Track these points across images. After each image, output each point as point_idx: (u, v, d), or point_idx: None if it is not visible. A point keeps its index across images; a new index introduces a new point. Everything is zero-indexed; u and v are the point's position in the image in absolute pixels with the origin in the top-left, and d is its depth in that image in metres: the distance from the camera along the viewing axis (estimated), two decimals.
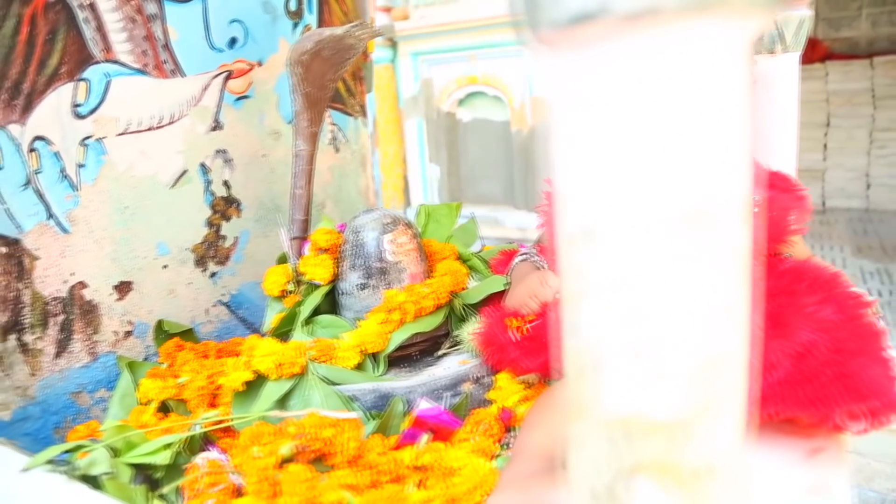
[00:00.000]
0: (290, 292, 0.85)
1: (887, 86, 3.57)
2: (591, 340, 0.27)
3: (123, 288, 0.85)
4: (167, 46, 0.86)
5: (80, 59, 0.77)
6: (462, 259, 0.88)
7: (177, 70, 0.88)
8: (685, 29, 0.22)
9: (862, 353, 0.51)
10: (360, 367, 0.71)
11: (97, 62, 0.79)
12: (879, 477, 1.67)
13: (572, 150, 0.25)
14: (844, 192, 3.79)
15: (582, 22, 0.22)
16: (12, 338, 0.73)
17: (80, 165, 0.79)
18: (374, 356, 0.73)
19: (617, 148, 0.23)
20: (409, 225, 0.81)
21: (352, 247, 0.79)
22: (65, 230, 0.78)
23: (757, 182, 0.61)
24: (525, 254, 0.81)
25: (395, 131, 3.99)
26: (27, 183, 0.74)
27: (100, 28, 0.79)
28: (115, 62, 0.81)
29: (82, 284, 0.80)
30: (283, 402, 0.68)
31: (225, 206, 0.97)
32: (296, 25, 1.05)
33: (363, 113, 1.24)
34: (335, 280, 0.82)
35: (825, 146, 3.82)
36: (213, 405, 0.72)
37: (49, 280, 0.76)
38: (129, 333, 0.85)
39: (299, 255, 0.87)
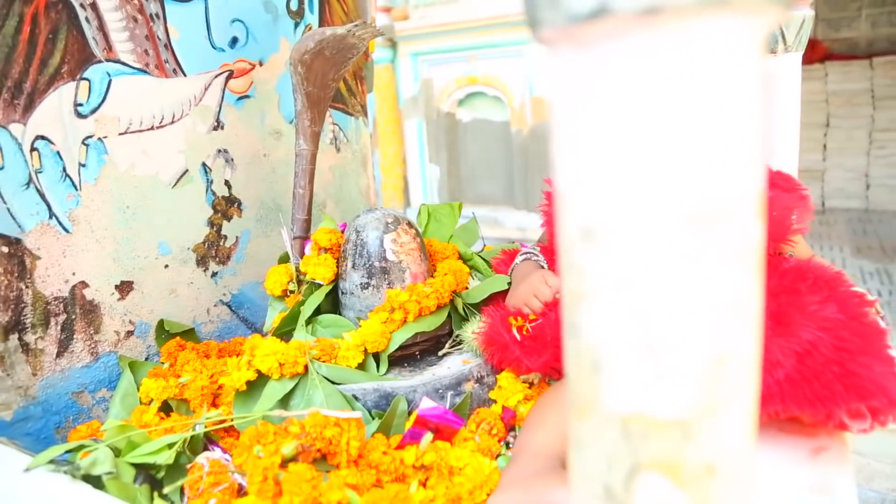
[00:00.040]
0: (292, 292, 0.85)
1: (887, 86, 3.58)
2: (594, 339, 0.27)
3: (125, 288, 0.84)
4: (168, 46, 0.86)
5: (81, 59, 0.77)
6: (464, 259, 0.88)
7: (178, 69, 0.88)
8: (694, 26, 0.22)
9: (865, 351, 0.51)
10: (362, 366, 0.71)
11: (99, 62, 0.79)
12: (879, 477, 1.67)
13: (576, 148, 0.25)
14: (844, 192, 3.79)
15: (590, 19, 0.22)
16: (14, 337, 0.73)
17: (82, 165, 0.79)
18: (376, 356, 0.73)
19: (623, 146, 0.23)
20: (410, 224, 0.81)
21: (354, 246, 0.79)
22: (66, 230, 0.78)
23: None
24: (527, 253, 0.81)
25: (395, 132, 4.00)
26: (28, 182, 0.74)
27: (101, 27, 0.79)
28: (117, 62, 0.81)
29: (84, 284, 0.80)
30: (285, 401, 0.68)
31: (226, 206, 0.97)
32: (297, 25, 1.05)
33: (364, 113, 1.24)
34: (337, 279, 0.82)
35: (825, 146, 3.83)
36: (214, 405, 0.72)
37: (50, 280, 0.76)
38: (130, 333, 0.85)
39: (301, 254, 0.87)
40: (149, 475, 0.61)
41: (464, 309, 0.79)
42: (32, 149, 0.74)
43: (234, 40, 0.95)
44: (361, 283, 0.78)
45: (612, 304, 0.25)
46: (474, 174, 3.88)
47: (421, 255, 0.80)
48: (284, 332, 0.80)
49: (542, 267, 0.78)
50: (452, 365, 0.74)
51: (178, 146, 0.89)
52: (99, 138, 0.80)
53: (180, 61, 0.88)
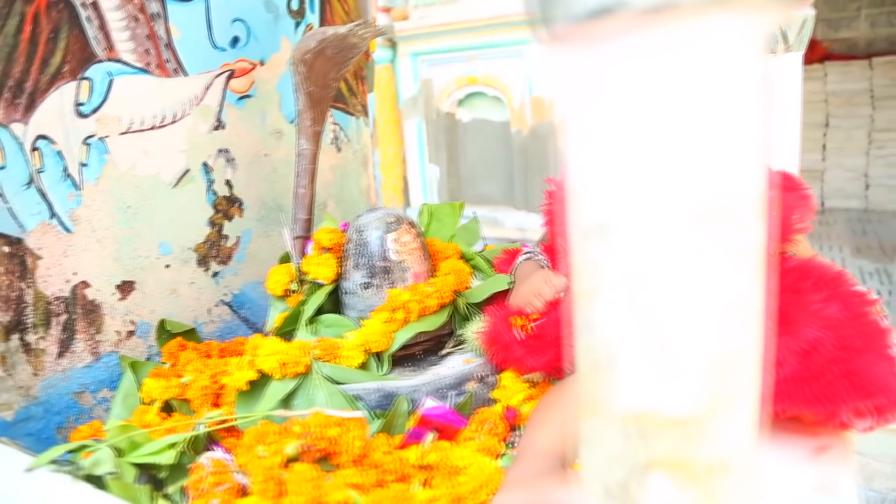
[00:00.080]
0: (294, 291, 0.85)
1: (886, 86, 3.58)
2: (605, 337, 0.27)
3: (126, 287, 0.84)
4: (170, 45, 0.86)
5: (82, 58, 0.77)
6: (465, 258, 0.88)
7: (179, 69, 0.88)
8: (703, 23, 0.22)
9: (868, 350, 0.51)
10: (364, 366, 0.71)
11: (100, 61, 0.79)
12: (879, 476, 1.68)
13: (587, 145, 0.25)
14: (843, 192, 3.80)
15: (599, 16, 0.22)
16: (15, 337, 0.73)
17: (83, 164, 0.79)
18: (378, 355, 0.73)
19: (633, 143, 0.23)
20: (412, 224, 0.81)
21: (355, 246, 0.79)
22: (67, 229, 0.78)
23: None
24: (529, 253, 0.81)
25: (395, 132, 3.99)
26: (30, 182, 0.74)
27: (102, 27, 0.79)
28: (118, 61, 0.81)
29: (85, 284, 0.80)
30: (287, 401, 0.68)
31: (227, 206, 0.97)
32: (298, 25, 1.05)
33: (365, 112, 1.24)
34: (338, 279, 0.82)
35: (824, 147, 3.83)
36: (216, 405, 0.72)
37: (52, 280, 0.76)
38: (131, 333, 0.85)
39: (302, 254, 0.87)
40: (151, 475, 0.61)
41: (465, 308, 0.79)
42: (34, 148, 0.74)
43: (235, 40, 0.95)
44: (363, 283, 0.78)
45: (622, 301, 0.25)
46: (474, 174, 3.88)
47: (423, 255, 0.80)
48: (286, 331, 0.79)
49: (544, 266, 0.78)
50: (454, 364, 0.74)
51: (179, 146, 0.89)
52: (100, 138, 0.80)
53: (181, 61, 0.88)
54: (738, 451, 0.27)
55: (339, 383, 0.69)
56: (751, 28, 0.23)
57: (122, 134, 0.82)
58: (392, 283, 0.77)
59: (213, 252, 0.96)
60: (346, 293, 0.80)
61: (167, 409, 0.72)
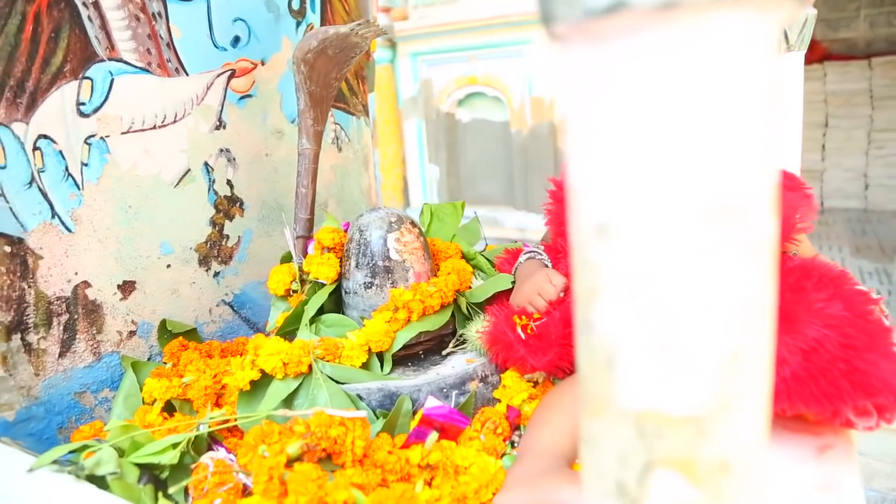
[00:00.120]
0: (295, 291, 0.85)
1: (885, 86, 3.59)
2: (608, 336, 0.26)
3: (127, 287, 0.84)
4: (171, 45, 0.86)
5: (83, 58, 0.77)
6: (467, 258, 0.88)
7: (180, 69, 0.87)
8: (710, 21, 0.22)
9: (871, 349, 0.51)
10: (366, 366, 0.71)
11: (101, 60, 0.79)
12: (879, 476, 1.68)
13: (591, 144, 0.25)
14: (843, 192, 3.80)
15: (606, 14, 0.22)
16: (16, 337, 0.73)
17: (84, 164, 0.79)
18: (380, 355, 0.73)
19: (640, 141, 0.23)
20: (414, 224, 0.81)
21: (357, 245, 0.79)
22: (68, 229, 0.77)
23: None
24: (531, 252, 0.81)
25: (395, 132, 4.00)
26: (31, 182, 0.74)
27: (103, 26, 0.79)
28: (119, 60, 0.81)
29: (86, 284, 0.80)
30: (289, 401, 0.67)
31: (228, 206, 0.97)
32: (299, 24, 1.05)
33: (366, 112, 1.24)
34: (340, 279, 0.82)
35: (823, 147, 3.83)
36: (218, 405, 0.72)
37: (53, 279, 0.76)
38: (132, 333, 0.85)
39: (304, 253, 0.87)
40: (153, 475, 0.61)
41: (467, 308, 0.79)
42: (35, 148, 0.74)
43: (237, 39, 0.95)
44: (365, 283, 0.78)
45: (626, 300, 0.25)
46: (474, 174, 3.88)
47: (424, 255, 0.80)
48: (288, 331, 0.79)
49: (546, 266, 0.78)
50: (456, 364, 0.74)
51: (180, 145, 0.89)
52: (101, 137, 0.80)
53: (182, 60, 0.88)
54: (743, 450, 0.27)
55: (341, 383, 0.69)
56: (759, 25, 0.23)
57: (124, 133, 0.82)
58: (394, 282, 0.77)
59: (215, 252, 0.96)
60: (347, 293, 0.80)
61: (169, 409, 0.72)
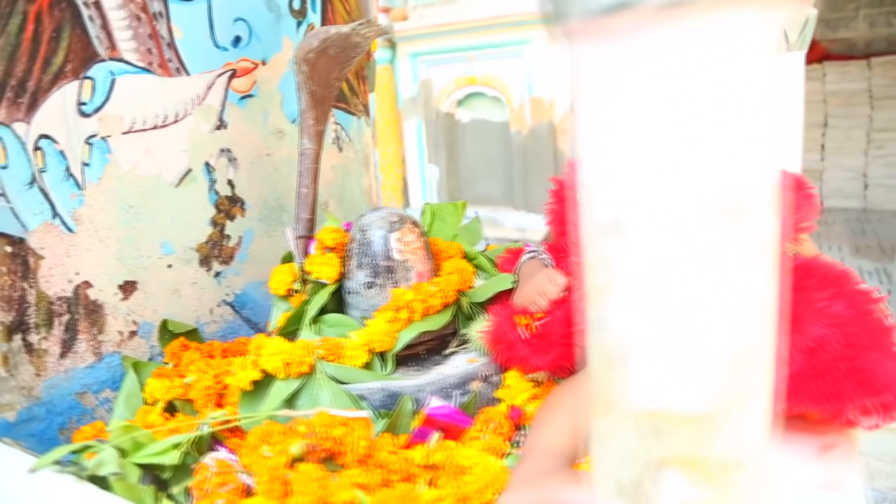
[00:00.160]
0: (297, 291, 0.85)
1: (885, 86, 3.59)
2: (618, 333, 0.26)
3: (128, 288, 0.84)
4: (172, 45, 0.86)
5: (84, 58, 0.77)
6: (468, 258, 0.88)
7: (181, 69, 0.87)
8: (719, 19, 0.22)
9: (874, 347, 0.51)
10: (368, 366, 0.71)
11: (102, 60, 0.79)
12: (879, 476, 1.68)
13: (601, 141, 0.25)
14: (842, 192, 3.80)
15: (615, 12, 0.22)
16: (17, 338, 0.73)
17: (85, 164, 0.79)
18: (382, 355, 0.73)
19: (649, 138, 0.23)
20: (415, 223, 0.81)
21: (358, 245, 0.79)
22: (70, 229, 0.77)
23: None
24: (532, 251, 0.81)
25: (394, 132, 4.00)
26: (32, 181, 0.74)
27: (105, 26, 0.78)
28: (120, 60, 0.81)
29: (87, 284, 0.79)
30: (291, 401, 0.67)
31: (229, 206, 0.97)
32: (299, 24, 1.05)
33: (366, 112, 1.24)
34: (342, 279, 0.82)
35: (823, 146, 3.84)
36: (219, 405, 0.72)
37: (54, 280, 0.76)
38: (133, 333, 0.85)
39: (305, 253, 0.87)
40: (155, 476, 0.61)
41: (469, 308, 0.79)
42: (36, 148, 0.73)
43: (237, 39, 0.95)
44: (366, 283, 0.78)
45: (636, 298, 0.25)
46: (474, 175, 3.88)
47: (426, 254, 0.80)
48: (289, 331, 0.79)
49: (548, 265, 0.78)
50: (458, 364, 0.74)
51: (181, 145, 0.89)
52: (102, 137, 0.80)
53: (183, 60, 0.87)
54: (752, 449, 0.27)
55: (343, 383, 0.69)
56: (765, 23, 0.23)
57: (125, 133, 0.82)
58: (395, 282, 0.77)
59: (216, 252, 0.96)
60: (349, 293, 0.80)
61: (170, 409, 0.72)
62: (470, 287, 0.80)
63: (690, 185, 0.23)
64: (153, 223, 0.86)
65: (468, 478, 0.56)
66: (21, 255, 0.73)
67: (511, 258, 0.84)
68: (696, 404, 0.25)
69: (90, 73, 0.78)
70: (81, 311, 0.79)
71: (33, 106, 0.73)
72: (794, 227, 0.65)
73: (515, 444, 0.65)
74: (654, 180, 0.24)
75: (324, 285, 0.81)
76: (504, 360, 0.70)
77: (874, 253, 3.04)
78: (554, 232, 0.83)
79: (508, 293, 0.79)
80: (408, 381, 0.69)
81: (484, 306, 0.79)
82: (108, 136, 0.81)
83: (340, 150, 1.17)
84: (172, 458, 0.60)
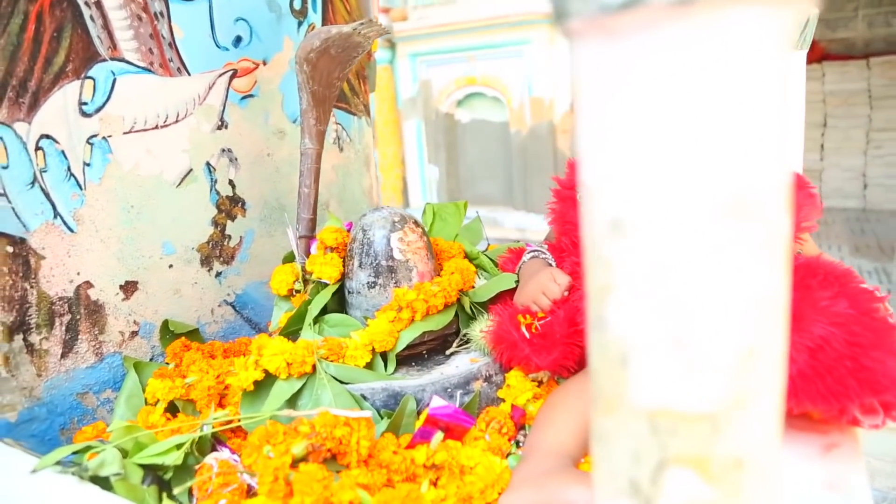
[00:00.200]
0: (298, 291, 0.84)
1: (884, 86, 3.60)
2: (621, 333, 0.26)
3: (129, 288, 0.84)
4: (173, 45, 0.86)
5: (86, 57, 0.77)
6: (469, 257, 0.88)
7: (182, 68, 0.87)
8: (725, 17, 0.22)
9: (877, 346, 0.51)
10: (369, 365, 0.71)
11: (103, 60, 0.79)
12: (880, 475, 1.68)
13: (605, 140, 0.25)
14: (841, 192, 3.81)
15: (622, 10, 0.22)
16: (18, 338, 0.73)
17: (86, 164, 0.78)
18: (384, 355, 0.73)
19: (655, 137, 0.23)
20: (417, 223, 0.81)
21: (360, 245, 0.79)
22: (71, 229, 0.77)
23: None
24: (534, 251, 0.80)
25: (394, 132, 4.00)
26: (33, 182, 0.73)
27: (106, 26, 0.78)
28: (121, 60, 0.80)
29: (88, 284, 0.79)
30: (292, 401, 0.67)
31: (230, 206, 0.97)
32: (300, 24, 1.05)
33: (367, 112, 1.24)
34: (343, 278, 0.82)
35: (822, 146, 3.84)
36: (221, 405, 0.72)
37: (55, 280, 0.76)
38: (134, 334, 0.85)
39: (307, 253, 0.87)
40: (157, 476, 0.61)
41: (471, 308, 0.79)
42: (37, 148, 0.73)
43: (238, 39, 0.95)
44: (368, 282, 0.78)
45: (640, 296, 0.25)
46: (473, 175, 3.89)
47: (428, 254, 0.80)
48: (291, 331, 0.79)
49: (550, 265, 0.78)
50: (460, 364, 0.74)
51: (182, 145, 0.89)
52: (103, 137, 0.80)
53: (184, 60, 0.87)
54: (758, 448, 0.27)
55: (345, 383, 0.68)
56: (774, 22, 0.23)
57: (126, 133, 0.82)
58: (397, 282, 0.77)
59: (216, 252, 0.95)
60: (350, 292, 0.80)
61: (172, 409, 0.72)
62: (471, 287, 0.80)
63: (698, 185, 0.23)
64: (154, 223, 0.86)
65: (471, 478, 0.56)
66: (22, 256, 0.73)
67: (513, 258, 0.84)
68: (701, 403, 0.25)
69: (91, 72, 0.78)
70: (82, 311, 0.79)
71: (34, 106, 0.73)
72: (796, 226, 0.65)
73: (518, 444, 0.65)
74: (660, 180, 0.24)
75: (325, 285, 0.81)
76: (506, 359, 0.70)
77: (873, 252, 3.04)
78: (556, 231, 0.83)
79: (510, 293, 0.79)
80: (410, 380, 0.69)
81: (486, 306, 0.79)
82: (110, 136, 0.80)
83: (341, 150, 1.17)
84: (174, 458, 0.60)
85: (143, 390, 0.75)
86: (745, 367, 0.25)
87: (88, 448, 0.61)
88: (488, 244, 1.02)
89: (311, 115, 0.86)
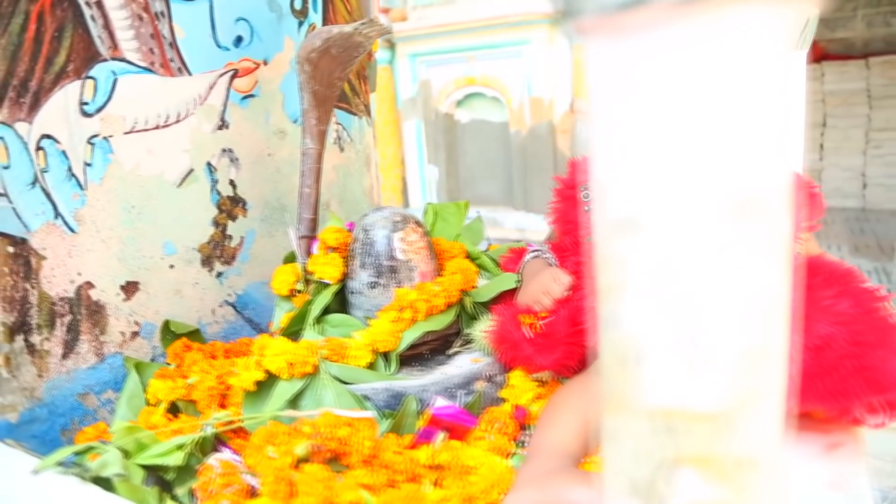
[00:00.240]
0: (299, 291, 0.84)
1: (883, 86, 3.60)
2: (632, 331, 0.26)
3: (130, 288, 0.84)
4: (174, 44, 0.86)
5: (87, 57, 0.77)
6: (471, 257, 0.88)
7: (183, 68, 0.87)
8: (735, 14, 0.22)
9: (881, 345, 0.51)
10: (371, 366, 0.71)
11: (104, 60, 0.78)
12: (880, 475, 1.68)
13: (616, 138, 0.25)
14: (841, 191, 3.81)
15: (631, 7, 0.22)
16: (19, 338, 0.72)
17: (87, 164, 0.78)
18: (386, 355, 0.73)
19: (665, 135, 0.23)
20: (418, 223, 0.80)
21: (362, 245, 0.78)
22: (72, 230, 0.77)
23: None
24: (536, 251, 0.80)
25: (394, 133, 4.00)
26: (34, 182, 0.73)
27: (107, 26, 0.78)
28: (122, 60, 0.80)
29: (89, 284, 0.79)
30: (294, 401, 0.67)
31: (231, 206, 0.97)
32: (301, 24, 1.05)
33: (367, 112, 1.23)
34: (345, 279, 0.81)
35: (821, 146, 3.84)
36: (222, 406, 0.72)
37: (56, 280, 0.76)
38: (135, 334, 0.85)
39: (308, 253, 0.87)
40: (158, 477, 0.61)
41: (473, 308, 0.79)
42: (38, 148, 0.73)
43: (239, 39, 0.94)
44: (370, 283, 0.78)
45: (649, 295, 0.25)
46: (473, 175, 3.88)
47: (429, 254, 0.80)
48: (292, 331, 0.79)
49: (552, 264, 0.78)
50: (462, 364, 0.73)
51: (183, 145, 0.89)
52: (104, 137, 0.80)
53: (185, 60, 0.87)
54: (766, 446, 0.27)
55: (346, 383, 0.68)
56: (782, 19, 0.22)
57: (127, 133, 0.82)
58: (399, 282, 0.77)
59: (217, 252, 0.95)
60: (352, 293, 0.80)
61: (173, 410, 0.72)
62: (473, 287, 0.80)
63: (706, 183, 0.23)
64: (155, 223, 0.86)
65: (473, 478, 0.56)
66: (23, 256, 0.72)
67: (514, 257, 0.84)
68: (711, 402, 0.25)
69: (92, 72, 0.77)
70: (83, 311, 0.79)
71: (35, 106, 0.72)
72: (798, 226, 0.65)
73: (520, 444, 0.65)
74: (670, 177, 0.24)
75: (327, 285, 0.81)
76: (508, 359, 0.70)
77: (873, 252, 3.04)
78: (559, 231, 0.83)
79: (512, 293, 0.78)
80: (412, 381, 0.69)
81: (487, 306, 0.79)
82: (110, 136, 0.80)
83: (342, 150, 1.17)
84: (176, 459, 0.60)
85: (145, 391, 0.75)
86: (755, 365, 0.25)
87: (90, 449, 0.61)
88: (489, 244, 1.02)
89: (312, 115, 0.86)
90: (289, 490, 0.54)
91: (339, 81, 0.88)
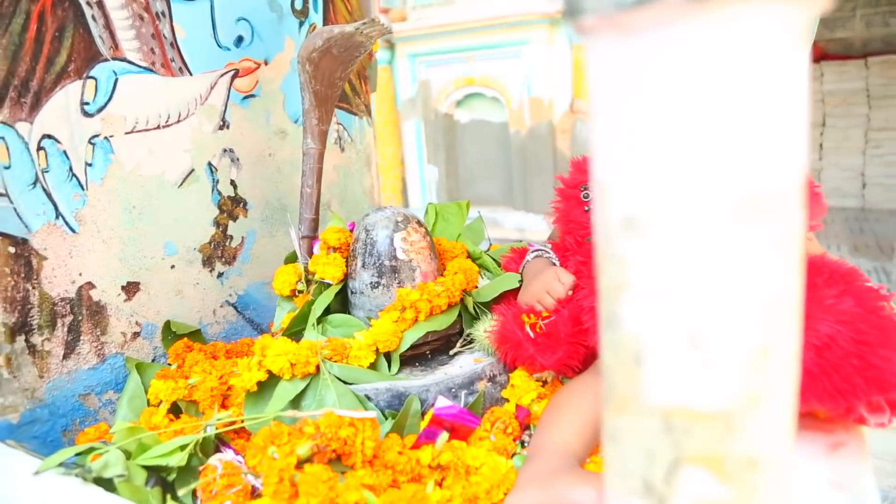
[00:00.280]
0: (301, 291, 0.84)
1: (882, 86, 3.61)
2: (635, 331, 0.26)
3: (131, 288, 0.84)
4: (174, 44, 0.86)
5: (87, 57, 0.77)
6: (472, 257, 0.87)
7: (184, 68, 0.87)
8: (740, 13, 0.22)
9: (884, 344, 0.51)
10: (373, 366, 0.71)
11: (105, 60, 0.78)
12: (880, 475, 1.68)
13: (619, 138, 0.25)
14: (840, 191, 3.81)
15: (637, 6, 0.22)
16: (20, 339, 0.72)
17: (88, 164, 0.78)
18: (388, 355, 0.73)
19: (668, 135, 0.23)
20: (420, 223, 0.80)
21: (363, 245, 0.78)
22: (73, 230, 0.77)
23: None
24: (538, 250, 0.80)
25: (393, 133, 4.00)
26: (35, 182, 0.73)
27: (107, 26, 0.78)
28: (123, 60, 0.80)
29: (90, 285, 0.79)
30: (296, 402, 0.67)
31: (232, 206, 0.97)
32: (301, 24, 1.05)
33: (368, 112, 1.23)
34: (346, 279, 0.81)
35: (821, 146, 3.85)
36: (224, 406, 0.72)
37: (57, 280, 0.76)
38: (136, 334, 0.85)
39: (309, 253, 0.87)
40: (160, 478, 0.61)
41: (474, 307, 0.79)
42: (39, 148, 0.73)
43: (240, 39, 0.94)
44: (371, 283, 0.77)
45: (654, 294, 0.25)
46: (473, 175, 3.89)
47: (431, 254, 0.80)
48: (294, 332, 0.79)
49: (554, 264, 0.78)
50: (464, 364, 0.73)
51: (183, 145, 0.89)
52: (105, 137, 0.80)
53: (186, 60, 0.87)
54: (772, 446, 0.27)
55: (348, 383, 0.68)
56: (791, 18, 0.22)
57: (127, 133, 0.82)
58: (400, 282, 0.77)
59: (218, 252, 0.95)
60: (354, 293, 0.80)
61: (174, 410, 0.72)
62: (475, 287, 0.80)
63: (710, 182, 0.23)
64: (156, 224, 0.86)
65: (476, 478, 0.56)
66: (24, 256, 0.72)
67: (516, 257, 0.84)
68: (716, 402, 0.25)
69: (93, 72, 0.77)
70: (84, 312, 0.79)
71: (36, 106, 0.72)
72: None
73: (522, 444, 0.65)
74: (673, 177, 0.24)
75: (328, 285, 0.81)
76: (510, 359, 0.70)
77: (873, 252, 3.05)
78: (560, 230, 0.83)
79: (514, 292, 0.78)
80: (414, 381, 0.69)
81: (489, 306, 0.79)
82: (111, 136, 0.80)
83: (342, 150, 1.17)
84: (178, 459, 0.60)
85: (146, 391, 0.74)
86: (760, 365, 0.25)
87: (91, 449, 0.61)
88: (490, 244, 1.02)
89: (313, 115, 0.86)
90: (291, 490, 0.54)
91: (340, 81, 0.88)
